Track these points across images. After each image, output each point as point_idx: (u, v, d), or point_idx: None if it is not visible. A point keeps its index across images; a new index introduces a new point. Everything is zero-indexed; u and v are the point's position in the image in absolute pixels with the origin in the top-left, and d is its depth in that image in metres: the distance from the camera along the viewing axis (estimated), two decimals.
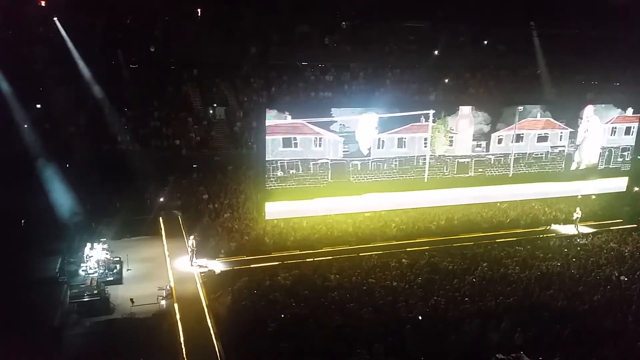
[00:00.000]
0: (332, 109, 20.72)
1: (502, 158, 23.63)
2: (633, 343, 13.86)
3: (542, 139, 24.03)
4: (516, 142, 23.62)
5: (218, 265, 19.17)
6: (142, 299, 16.32)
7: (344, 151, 20.84)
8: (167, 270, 18.66)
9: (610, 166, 25.63)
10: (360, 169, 21.28)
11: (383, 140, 21.43)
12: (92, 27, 29.47)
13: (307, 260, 19.32)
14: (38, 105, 26.82)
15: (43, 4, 27.80)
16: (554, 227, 24.09)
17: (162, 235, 21.58)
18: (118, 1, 28.66)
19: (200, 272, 18.46)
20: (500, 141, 23.33)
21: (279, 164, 20.18)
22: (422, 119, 21.86)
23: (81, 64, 27.56)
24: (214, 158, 28.30)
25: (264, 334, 13.46)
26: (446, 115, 22.19)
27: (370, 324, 14.04)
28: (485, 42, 36.73)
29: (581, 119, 24.45)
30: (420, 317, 14.54)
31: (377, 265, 18.44)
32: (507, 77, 37.88)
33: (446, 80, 36.22)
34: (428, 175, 22.52)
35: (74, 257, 18.73)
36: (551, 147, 24.28)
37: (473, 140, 22.83)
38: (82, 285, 16.62)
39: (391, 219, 22.81)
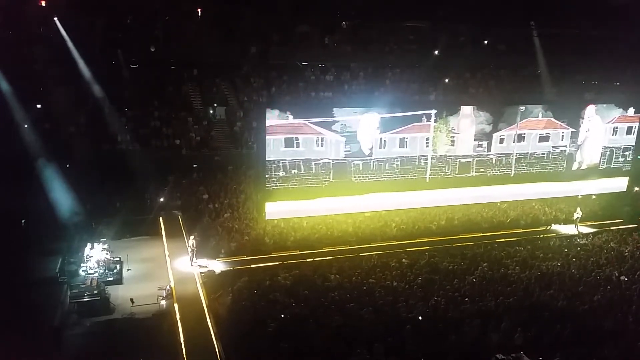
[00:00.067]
0: (334, 109, 20.73)
1: (504, 158, 23.63)
2: (633, 343, 13.87)
3: (543, 138, 24.03)
4: (518, 142, 23.61)
5: (218, 265, 19.17)
6: (142, 299, 16.33)
7: (345, 151, 20.84)
8: (167, 270, 18.66)
9: (612, 166, 25.62)
10: (362, 168, 21.29)
11: (385, 140, 21.43)
12: (92, 27, 29.47)
13: (307, 260, 19.31)
14: (38, 105, 26.80)
15: (43, 4, 27.79)
16: (554, 227, 24.09)
17: (162, 235, 21.57)
18: (118, 1, 28.65)
19: (200, 272, 18.45)
20: (501, 141, 23.34)
21: (280, 164, 20.18)
22: (424, 118, 21.86)
23: (81, 64, 27.55)
24: (214, 158, 28.29)
25: (264, 334, 13.46)
26: (448, 115, 22.20)
27: (370, 324, 14.04)
28: (485, 42, 36.72)
29: (582, 118, 24.44)
30: (420, 317, 14.55)
31: (377, 265, 18.45)
32: (508, 77, 37.88)
33: (446, 80, 36.20)
34: (430, 175, 22.53)
35: (74, 257, 18.74)
36: (553, 147, 24.27)
37: (474, 140, 22.83)
38: (82, 285, 16.63)
39: (391, 219, 22.81)
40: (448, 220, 23.40)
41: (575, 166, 24.93)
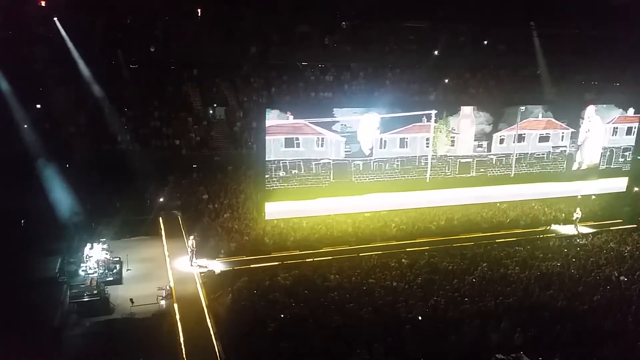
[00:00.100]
0: (334, 109, 20.76)
1: (504, 158, 23.65)
2: (633, 343, 13.88)
3: (543, 139, 24.05)
4: (518, 142, 23.63)
5: (218, 265, 19.18)
6: (142, 299, 16.32)
7: (345, 151, 20.87)
8: (166, 271, 18.67)
9: (612, 166, 25.64)
10: (362, 169, 21.32)
11: (385, 140, 21.45)
12: (92, 27, 29.47)
13: (307, 260, 19.32)
14: (38, 105, 26.82)
15: (43, 4, 27.78)
16: (553, 227, 24.09)
17: (162, 235, 21.58)
18: (118, 1, 28.65)
19: (200, 272, 18.46)
20: (502, 141, 23.35)
21: (281, 164, 20.21)
22: (424, 119, 21.88)
23: (81, 64, 27.57)
24: (214, 158, 28.31)
25: (263, 334, 13.46)
26: (448, 115, 22.22)
27: (370, 324, 14.04)
28: (485, 42, 36.72)
29: (582, 119, 24.46)
30: (420, 318, 14.55)
31: (377, 265, 18.45)
32: (507, 77, 37.89)
33: (446, 80, 36.22)
34: (430, 176, 22.54)
35: (74, 257, 18.73)
36: (553, 147, 24.30)
37: (474, 140, 22.85)
38: (82, 285, 16.63)
39: (391, 219, 22.81)
40: (448, 220, 23.40)
41: (575, 166, 24.94)
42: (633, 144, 25.66)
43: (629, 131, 25.47)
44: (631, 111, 25.21)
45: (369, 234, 21.86)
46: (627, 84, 36.36)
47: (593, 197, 26.19)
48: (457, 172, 22.93)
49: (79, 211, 21.28)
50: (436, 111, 22.06)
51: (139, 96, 29.73)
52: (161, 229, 22.07)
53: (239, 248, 20.23)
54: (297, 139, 20.20)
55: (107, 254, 18.48)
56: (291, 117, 19.96)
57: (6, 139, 22.95)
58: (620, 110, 25.07)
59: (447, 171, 22.80)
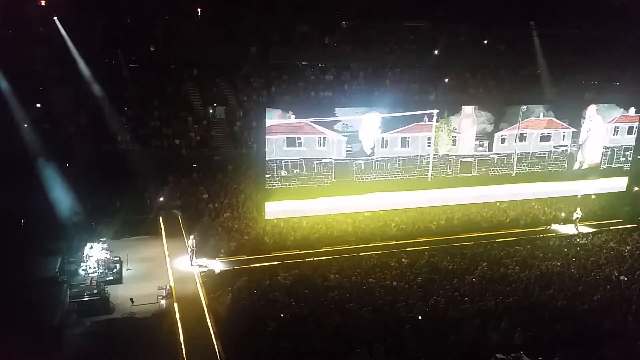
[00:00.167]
0: (336, 109, 20.78)
1: (505, 158, 23.66)
2: (633, 343, 13.87)
3: (545, 138, 24.06)
4: (519, 141, 23.63)
5: (218, 265, 19.18)
6: (142, 299, 16.33)
7: (347, 151, 20.89)
8: (167, 270, 18.67)
9: (613, 166, 25.65)
10: (364, 168, 21.33)
11: (386, 140, 21.47)
12: (92, 27, 29.47)
13: (307, 260, 19.33)
14: (38, 105, 26.82)
15: (43, 4, 27.80)
16: (553, 227, 24.09)
17: (162, 235, 21.58)
18: (118, 1, 28.67)
19: (200, 272, 18.46)
20: (503, 141, 23.36)
21: (283, 164, 20.23)
22: (425, 118, 21.89)
23: (81, 64, 27.57)
24: (213, 158, 28.31)
25: (263, 334, 13.46)
26: (449, 114, 22.23)
27: (370, 324, 14.04)
28: (485, 42, 36.73)
29: (584, 118, 24.48)
30: (420, 317, 14.55)
31: (377, 265, 18.45)
32: (507, 77, 37.89)
33: (446, 80, 36.22)
34: (432, 175, 22.55)
35: (74, 256, 18.73)
36: (554, 146, 24.31)
37: (476, 139, 22.87)
38: (82, 285, 16.62)
39: (391, 219, 22.81)
40: (448, 220, 23.41)
41: (576, 166, 24.95)
42: (634, 144, 25.64)
43: (630, 130, 25.46)
44: (632, 110, 25.21)
45: (369, 233, 21.86)
46: (627, 84, 36.36)
47: (593, 196, 26.19)
48: (458, 172, 22.94)
49: (79, 211, 21.27)
50: (438, 110, 22.07)
51: (139, 96, 29.74)
52: (161, 229, 22.07)
53: (239, 247, 20.22)
54: (299, 138, 20.22)
55: (107, 253, 18.47)
56: (293, 116, 19.99)
57: (6, 138, 22.94)
58: (622, 109, 25.07)
59: (448, 171, 22.81)
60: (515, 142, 23.55)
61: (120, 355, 13.54)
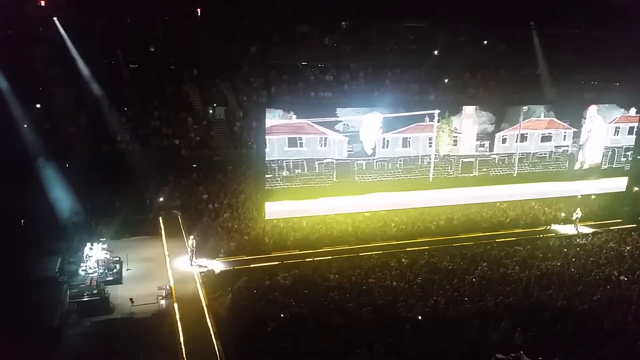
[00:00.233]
0: (337, 109, 20.81)
1: (507, 158, 23.69)
2: (633, 343, 13.86)
3: (545, 138, 24.10)
4: (520, 142, 23.64)
5: (218, 265, 19.18)
6: (142, 299, 16.32)
7: (348, 151, 20.91)
8: (166, 270, 18.67)
9: (614, 166, 25.67)
10: (365, 168, 21.37)
11: (388, 140, 21.50)
12: (92, 27, 29.48)
13: (307, 260, 19.33)
14: (38, 105, 26.82)
15: (43, 4, 27.79)
16: (553, 227, 24.10)
17: (161, 235, 21.58)
18: (118, 1, 28.65)
19: (200, 272, 18.47)
20: (504, 141, 23.38)
21: (284, 164, 20.25)
22: (426, 118, 21.91)
23: (81, 64, 27.56)
24: (213, 158, 28.32)
25: (263, 334, 13.45)
26: (450, 115, 22.25)
27: (370, 324, 14.03)
28: (485, 42, 36.74)
29: (584, 118, 24.50)
30: (419, 317, 14.54)
31: (377, 265, 18.45)
32: (507, 77, 37.89)
33: (446, 80, 36.24)
34: (433, 175, 22.56)
35: (74, 256, 18.72)
36: (555, 146, 24.36)
37: (477, 140, 22.89)
38: (82, 285, 16.61)
39: (391, 219, 22.82)
40: (448, 220, 23.41)
41: (577, 166, 24.97)
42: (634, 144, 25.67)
43: (630, 131, 25.52)
44: (633, 111, 25.25)
45: (369, 233, 21.87)
46: (627, 84, 36.37)
47: (593, 196, 26.20)
48: (459, 172, 22.96)
49: (79, 211, 21.30)
50: (439, 111, 22.08)
51: (139, 96, 29.73)
52: (161, 229, 22.07)
53: (239, 248, 20.23)
54: (301, 138, 20.26)
55: (107, 253, 18.48)
56: (294, 116, 20.00)
57: (6, 138, 22.93)
58: (622, 109, 25.11)
59: (449, 171, 22.84)
60: (516, 142, 23.57)
61: (120, 355, 13.53)
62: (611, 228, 23.79)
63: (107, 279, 17.61)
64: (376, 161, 21.50)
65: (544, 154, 24.24)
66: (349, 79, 35.13)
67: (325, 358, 12.61)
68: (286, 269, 18.06)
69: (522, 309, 15.12)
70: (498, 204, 24.93)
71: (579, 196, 25.57)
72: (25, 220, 20.84)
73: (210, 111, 31.59)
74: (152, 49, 30.38)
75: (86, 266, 18.02)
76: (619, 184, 26.05)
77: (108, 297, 16.56)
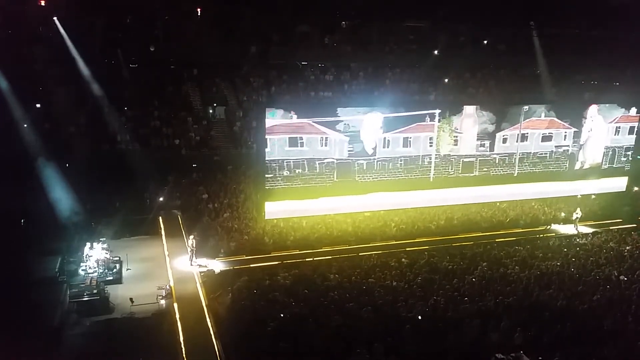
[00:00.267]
0: (338, 109, 20.80)
1: (507, 157, 23.69)
2: (633, 343, 13.86)
3: (546, 138, 24.09)
4: (521, 141, 23.64)
5: (218, 265, 19.18)
6: (142, 299, 16.33)
7: (349, 150, 20.91)
8: (166, 270, 18.67)
9: (614, 166, 25.66)
10: (366, 168, 21.37)
11: (388, 140, 21.50)
12: (92, 27, 29.50)
13: (307, 260, 19.34)
14: (38, 105, 26.82)
15: (43, 4, 27.81)
16: (553, 227, 24.09)
17: (161, 235, 21.58)
18: (118, 1, 28.67)
19: (200, 272, 18.47)
20: (505, 141, 23.37)
21: (285, 163, 20.25)
22: (427, 118, 21.91)
23: (81, 64, 27.57)
24: (213, 158, 28.33)
25: (263, 334, 13.46)
26: (451, 114, 22.25)
27: (370, 324, 14.03)
28: (485, 42, 36.75)
29: (585, 118, 24.49)
30: (419, 317, 14.54)
31: (377, 265, 18.44)
32: (507, 77, 37.91)
33: (446, 80, 36.25)
34: (433, 175, 22.56)
35: (74, 256, 18.73)
36: (555, 146, 24.34)
37: (477, 139, 22.89)
38: (82, 285, 16.62)
39: (391, 219, 22.81)
40: (447, 220, 23.41)
41: (577, 166, 24.96)
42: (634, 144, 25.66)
43: (631, 130, 25.50)
44: (633, 110, 25.23)
45: (369, 233, 21.87)
46: (627, 84, 36.38)
47: (593, 196, 26.20)
48: (460, 172, 22.96)
49: (79, 211, 21.29)
50: (439, 110, 22.08)
51: (139, 96, 29.75)
52: (161, 229, 22.07)
53: (239, 247, 20.23)
54: (301, 138, 20.26)
55: (107, 253, 18.48)
56: (295, 116, 20.00)
57: (6, 138, 22.94)
58: (623, 109, 25.09)
59: (450, 170, 22.83)
60: (516, 142, 23.57)
61: (120, 355, 13.54)
62: (611, 228, 23.78)
63: (107, 278, 17.60)
64: (377, 161, 21.51)
65: (545, 153, 24.25)
66: (349, 78, 35.15)
67: (325, 358, 12.61)
68: (286, 268, 18.05)
69: (522, 309, 15.13)
70: (498, 204, 24.92)
71: (579, 196, 25.57)
72: (25, 220, 20.84)
73: (210, 111, 31.60)
74: (152, 49, 30.41)
75: (86, 266, 18.02)
76: (619, 183, 26.04)
77: (108, 297, 16.56)
